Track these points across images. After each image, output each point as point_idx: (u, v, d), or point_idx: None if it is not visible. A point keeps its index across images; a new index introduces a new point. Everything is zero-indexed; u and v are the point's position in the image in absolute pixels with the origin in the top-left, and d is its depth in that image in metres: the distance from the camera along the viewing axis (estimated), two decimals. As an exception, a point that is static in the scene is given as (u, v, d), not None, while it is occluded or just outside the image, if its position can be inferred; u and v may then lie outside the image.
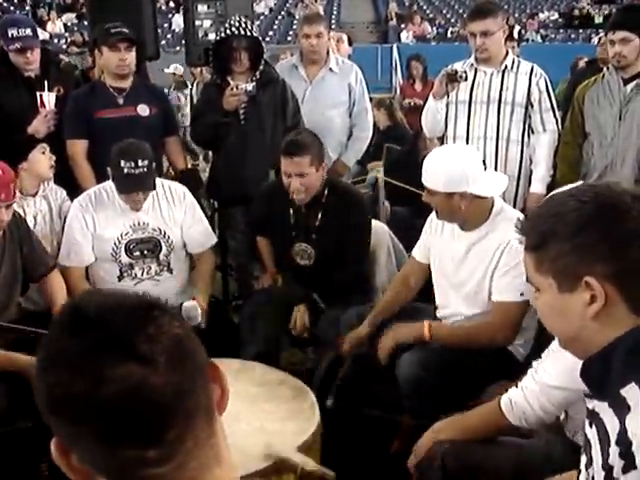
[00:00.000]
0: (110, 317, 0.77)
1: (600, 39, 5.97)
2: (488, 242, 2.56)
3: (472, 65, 3.47)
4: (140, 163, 2.81)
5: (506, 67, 3.43)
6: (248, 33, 3.47)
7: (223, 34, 3.50)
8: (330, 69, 3.99)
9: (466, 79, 3.39)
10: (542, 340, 2.61)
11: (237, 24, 3.47)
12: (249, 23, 3.53)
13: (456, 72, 3.37)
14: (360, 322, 2.83)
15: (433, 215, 2.78)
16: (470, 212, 2.56)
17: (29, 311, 2.94)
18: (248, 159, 3.52)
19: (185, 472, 0.78)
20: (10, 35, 3.43)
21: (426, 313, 2.84)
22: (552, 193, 1.32)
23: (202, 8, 4.14)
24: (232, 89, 3.43)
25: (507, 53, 3.48)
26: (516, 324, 2.53)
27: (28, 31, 3.47)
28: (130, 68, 3.48)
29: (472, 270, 2.60)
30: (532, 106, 3.41)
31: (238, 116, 3.55)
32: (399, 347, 2.63)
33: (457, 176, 2.49)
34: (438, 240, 2.75)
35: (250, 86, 3.45)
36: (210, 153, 6.44)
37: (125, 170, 2.80)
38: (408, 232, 3.94)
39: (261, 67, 3.55)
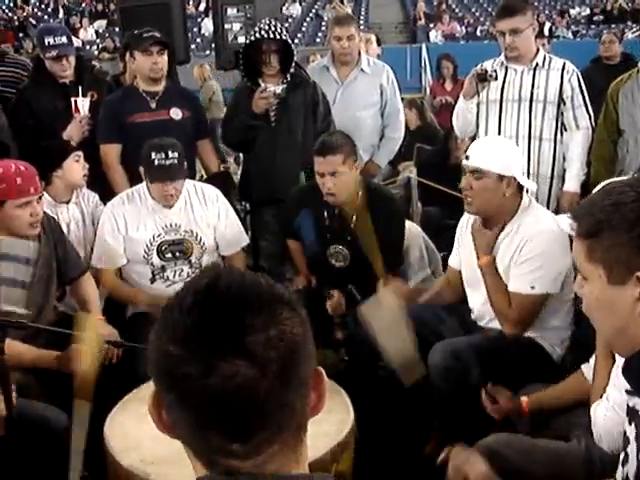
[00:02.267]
0: (239, 309, 0.78)
1: (601, 37, 5.89)
2: (513, 238, 2.57)
3: (502, 63, 3.44)
4: (170, 154, 2.87)
5: (537, 64, 3.39)
6: (278, 36, 3.48)
7: (253, 37, 3.52)
8: (361, 70, 3.99)
9: (496, 78, 3.36)
10: (578, 340, 2.62)
11: (267, 27, 3.48)
12: (279, 26, 3.54)
13: (486, 71, 3.34)
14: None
15: (463, 220, 2.78)
16: (507, 203, 2.56)
17: (66, 314, 2.99)
18: (278, 161, 3.53)
19: (263, 469, 0.80)
20: (47, 43, 3.50)
21: (460, 314, 2.85)
22: (607, 181, 1.30)
23: (231, 11, 4.17)
24: (261, 92, 3.45)
25: (538, 50, 3.43)
26: (525, 316, 2.55)
27: (64, 39, 3.53)
28: (162, 72, 3.52)
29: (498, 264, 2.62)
30: (564, 103, 3.37)
31: (269, 118, 3.56)
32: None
33: (513, 160, 2.57)
34: (467, 242, 2.75)
35: (279, 89, 3.46)
36: (240, 155, 6.51)
37: (156, 162, 2.87)
38: (440, 232, 3.95)
39: (292, 70, 3.57)
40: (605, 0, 19.37)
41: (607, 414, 1.77)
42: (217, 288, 0.80)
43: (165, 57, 3.49)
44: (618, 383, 1.74)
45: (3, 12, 21.03)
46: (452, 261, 2.94)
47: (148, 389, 2.24)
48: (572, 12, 18.99)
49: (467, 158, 2.57)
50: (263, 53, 3.51)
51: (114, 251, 3.03)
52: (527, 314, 2.56)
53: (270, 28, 3.47)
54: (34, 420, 1.95)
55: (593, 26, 17.50)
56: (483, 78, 3.33)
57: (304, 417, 0.83)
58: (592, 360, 2.13)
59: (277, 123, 3.58)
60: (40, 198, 2.64)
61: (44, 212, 2.75)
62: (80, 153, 3.15)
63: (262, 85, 3.50)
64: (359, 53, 4.01)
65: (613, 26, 15.71)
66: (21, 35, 17.35)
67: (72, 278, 2.91)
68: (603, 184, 1.33)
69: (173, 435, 0.84)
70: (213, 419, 0.78)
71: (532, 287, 2.50)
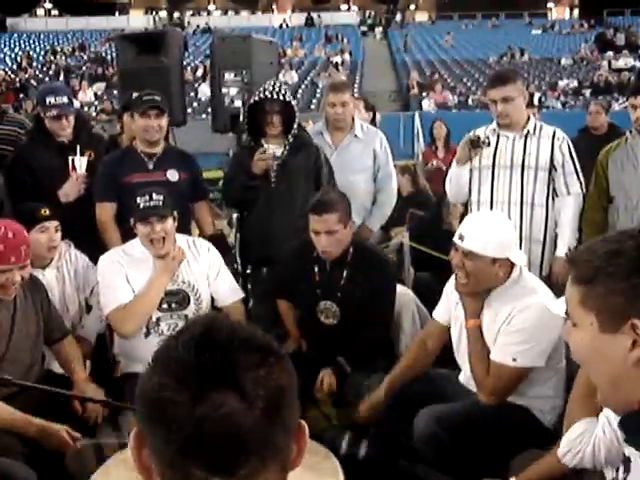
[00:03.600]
0: (233, 347, 0.82)
1: (588, 108, 6.04)
2: (501, 308, 2.55)
3: (494, 130, 3.50)
4: (155, 197, 2.90)
5: (528, 132, 3.45)
6: (281, 97, 3.54)
7: (257, 97, 3.58)
8: (355, 135, 4.04)
9: (489, 144, 3.42)
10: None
11: (271, 88, 3.55)
12: (283, 87, 3.60)
13: (479, 138, 3.40)
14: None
15: (452, 278, 2.78)
16: (497, 278, 2.55)
17: (53, 373, 2.94)
18: (275, 222, 3.55)
19: None
20: (48, 102, 3.56)
21: (450, 379, 2.81)
22: (606, 235, 1.30)
23: (229, 76, 4.28)
24: (260, 153, 3.50)
25: (529, 118, 3.50)
26: (501, 387, 2.52)
27: (65, 99, 3.59)
28: (159, 135, 3.56)
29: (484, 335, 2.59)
30: (556, 170, 3.42)
31: (269, 179, 3.59)
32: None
33: (506, 241, 2.54)
34: (455, 305, 2.74)
35: (278, 150, 3.51)
36: (234, 218, 6.54)
37: (141, 205, 2.90)
38: (432, 298, 3.93)
39: (295, 131, 3.62)
40: (592, 73, 19.96)
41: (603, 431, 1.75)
42: (213, 329, 0.85)
43: (163, 120, 3.54)
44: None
45: (6, 73, 21.44)
46: (438, 314, 2.89)
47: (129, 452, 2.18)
48: (561, 84, 19.50)
49: (461, 238, 2.53)
50: (266, 113, 3.57)
51: (122, 288, 2.96)
52: (503, 385, 2.52)
53: (274, 89, 3.54)
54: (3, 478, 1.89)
55: (581, 97, 17.93)
56: (476, 144, 3.39)
57: (287, 460, 0.85)
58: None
59: (277, 184, 3.60)
60: (24, 267, 2.62)
61: (30, 274, 2.74)
62: (48, 225, 3.06)
63: (263, 146, 3.54)
64: (353, 119, 4.07)
65: (600, 97, 16.12)
66: (22, 96, 17.63)
67: (55, 339, 2.89)
68: (603, 236, 1.32)
69: (150, 476, 0.84)
70: (196, 450, 0.79)
71: (514, 359, 2.47)
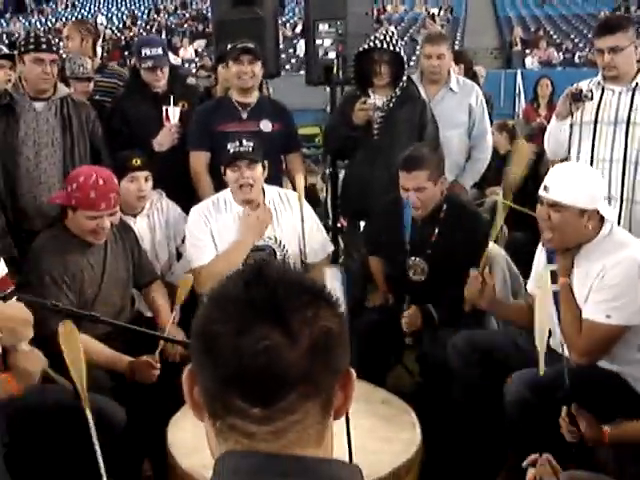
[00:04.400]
0: (282, 287, 0.83)
1: None
2: (592, 265, 2.42)
3: (599, 83, 3.29)
4: (245, 143, 2.92)
5: (637, 85, 3.21)
6: (391, 47, 3.46)
7: (366, 46, 3.51)
8: (450, 89, 3.93)
9: (591, 99, 3.22)
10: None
11: (382, 37, 3.47)
12: (394, 38, 3.52)
13: (581, 91, 3.20)
14: (468, 346, 2.73)
15: (540, 245, 2.66)
16: (586, 233, 2.42)
17: (142, 316, 3.05)
18: (376, 175, 3.46)
19: (281, 439, 0.82)
20: (143, 54, 3.63)
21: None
22: None
23: (323, 27, 4.20)
24: (362, 103, 3.43)
25: (638, 70, 3.26)
26: (595, 346, 2.40)
27: (159, 50, 3.64)
28: (252, 81, 3.56)
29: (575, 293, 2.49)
30: (664, 126, 3.19)
31: (371, 131, 3.53)
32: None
33: (595, 193, 2.42)
34: (544, 267, 2.63)
35: (379, 101, 3.44)
36: (327, 172, 6.53)
37: (231, 150, 2.93)
38: (526, 258, 3.80)
39: (403, 84, 3.53)
40: None
41: None
42: (265, 270, 0.86)
43: (257, 67, 3.53)
44: None
45: (112, 32, 22.15)
46: (530, 287, 2.82)
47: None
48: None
49: (546, 189, 2.42)
50: (374, 63, 3.50)
51: (208, 246, 3.01)
52: (597, 344, 2.40)
53: (385, 38, 3.46)
54: (92, 412, 1.98)
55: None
56: (577, 98, 3.19)
57: (329, 402, 0.84)
58: None
59: (380, 137, 3.53)
60: (113, 214, 2.70)
61: (121, 220, 2.83)
62: (139, 175, 3.13)
63: (372, 95, 3.49)
64: (449, 72, 3.95)
65: None
66: (127, 53, 18.17)
67: (144, 283, 3.00)
68: None
69: (201, 414, 0.86)
70: (238, 379, 0.80)
71: (608, 316, 2.34)
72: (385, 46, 3.44)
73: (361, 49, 3.55)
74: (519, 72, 13.72)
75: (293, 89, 9.14)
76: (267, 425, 0.81)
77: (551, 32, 20.09)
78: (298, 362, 0.80)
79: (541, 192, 2.44)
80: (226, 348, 0.80)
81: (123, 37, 21.40)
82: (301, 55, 16.74)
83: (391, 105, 3.51)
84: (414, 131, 3.53)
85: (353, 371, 0.87)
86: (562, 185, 2.39)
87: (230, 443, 0.83)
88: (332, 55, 4.16)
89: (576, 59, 16.94)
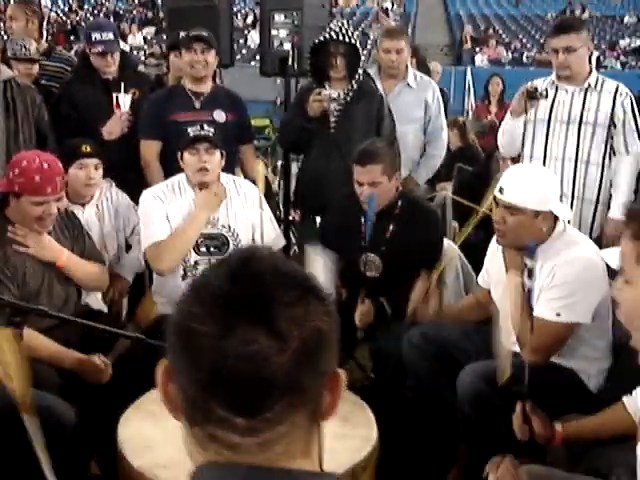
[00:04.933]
0: (270, 280, 0.76)
1: None
2: (544, 263, 2.43)
3: (553, 83, 3.34)
4: (206, 127, 2.85)
5: (589, 85, 3.29)
6: (347, 39, 3.41)
7: (322, 38, 3.46)
8: (407, 84, 3.93)
9: (546, 97, 3.27)
10: (619, 371, 2.49)
11: (337, 29, 3.43)
12: (350, 30, 3.47)
13: (536, 89, 3.25)
14: (423, 340, 2.73)
15: (494, 240, 2.68)
16: (540, 233, 2.45)
17: (91, 310, 2.95)
18: (332, 169, 3.42)
19: (266, 452, 0.75)
20: (94, 38, 3.52)
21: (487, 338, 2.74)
22: None
23: (278, 18, 4.14)
24: (316, 94, 3.39)
25: (590, 71, 3.33)
26: (545, 344, 2.42)
27: (110, 35, 3.54)
28: (206, 71, 3.49)
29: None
30: (615, 127, 3.26)
31: (328, 124, 3.48)
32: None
33: (548, 194, 2.43)
34: (496, 266, 2.65)
35: (334, 93, 3.39)
36: (279, 165, 6.48)
37: (191, 134, 2.85)
38: (477, 254, 3.84)
39: (360, 77, 3.49)
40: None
41: None
42: (251, 260, 0.78)
43: (210, 56, 3.46)
44: None
45: (58, 16, 21.53)
46: (481, 281, 2.85)
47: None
48: (622, 43, 18.75)
49: (501, 191, 2.42)
50: (330, 55, 3.45)
51: (160, 221, 2.92)
52: (548, 342, 2.43)
53: (341, 30, 3.41)
54: (40, 412, 1.89)
55: (642, 59, 17.25)
56: (533, 96, 3.24)
57: (318, 409, 0.78)
58: (635, 392, 2.02)
59: (336, 130, 3.49)
60: (59, 199, 2.60)
61: (65, 208, 2.73)
62: (88, 162, 3.04)
63: (327, 89, 3.44)
64: (406, 67, 3.94)
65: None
66: (72, 38, 17.70)
67: None
68: None
69: (177, 413, 0.79)
70: (220, 386, 0.73)
71: (558, 314, 2.36)
72: (341, 38, 3.40)
73: (317, 41, 3.50)
74: (469, 69, 13.91)
75: (243, 80, 9.09)
76: (252, 437, 0.74)
77: (500, 31, 20.42)
78: (286, 368, 0.73)
79: (496, 194, 2.45)
80: (208, 350, 0.73)
81: (69, 21, 20.83)
82: (252, 46, 16.61)
83: (348, 99, 3.48)
84: (371, 125, 3.50)
85: (341, 372, 0.81)
86: (517, 187, 2.39)
87: (210, 453, 0.76)
88: (287, 46, 4.11)
89: (524, 59, 17.26)
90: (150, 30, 19.60)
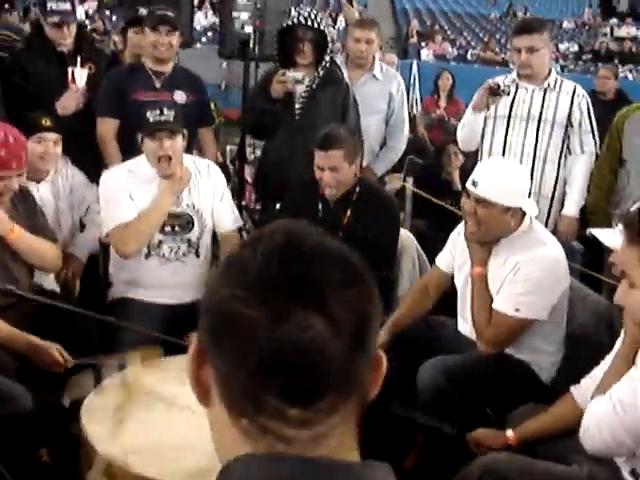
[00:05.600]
0: (320, 263, 0.70)
1: (597, 72, 5.98)
2: (508, 258, 2.49)
3: (514, 80, 3.40)
4: (166, 112, 2.76)
5: (548, 85, 3.36)
6: (315, 25, 3.38)
7: (290, 22, 3.42)
8: (373, 75, 3.93)
9: (508, 94, 3.32)
10: (571, 364, 2.57)
11: (306, 14, 3.40)
12: (319, 16, 3.45)
13: (499, 86, 3.30)
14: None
15: (458, 227, 2.72)
16: (508, 227, 2.49)
17: (44, 289, 2.85)
18: (295, 156, 3.38)
19: (322, 446, 0.71)
20: (49, 8, 3.38)
21: (449, 327, 2.78)
22: None
23: (240, 0, 4.08)
24: (280, 75, 3.35)
25: (550, 71, 3.41)
26: (502, 337, 2.48)
27: (67, 5, 3.41)
28: (169, 52, 3.42)
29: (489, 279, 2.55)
30: (572, 126, 3.35)
31: (292, 110, 3.45)
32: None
33: (520, 190, 2.47)
34: (461, 253, 2.68)
35: (299, 75, 3.35)
36: (227, 150, 6.39)
37: (151, 119, 2.76)
38: (428, 244, 3.89)
39: (327, 64, 3.47)
40: (593, 40, 19.73)
41: (606, 410, 1.71)
42: (299, 238, 0.73)
43: (174, 38, 3.39)
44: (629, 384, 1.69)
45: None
46: (440, 261, 2.84)
47: (128, 374, 2.10)
48: (561, 47, 19.27)
49: (474, 184, 2.45)
50: (297, 40, 3.41)
51: (124, 203, 2.82)
52: (504, 335, 2.48)
53: (309, 16, 3.38)
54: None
55: (581, 62, 17.76)
56: (495, 92, 3.28)
57: (367, 392, 0.75)
58: (583, 382, 2.09)
59: (301, 117, 3.46)
60: (21, 174, 2.51)
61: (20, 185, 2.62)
62: (44, 136, 2.92)
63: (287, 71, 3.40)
64: (374, 58, 3.94)
65: (600, 64, 15.98)
66: (7, 7, 16.97)
67: None
68: None
69: (207, 399, 0.75)
70: (273, 376, 0.68)
71: (517, 309, 2.42)
72: (310, 23, 3.38)
73: (285, 25, 3.46)
74: (415, 63, 14.02)
75: (187, 63, 8.94)
76: (306, 429, 0.70)
77: (445, 27, 20.69)
78: (342, 354, 0.69)
79: (469, 186, 2.47)
80: (259, 336, 0.67)
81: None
82: (198, 28, 16.30)
83: (314, 86, 3.45)
84: (336, 113, 3.48)
85: (382, 354, 0.77)
86: (490, 182, 2.42)
87: (260, 446, 0.70)
88: (249, 29, 4.05)
89: (469, 56, 17.54)
90: (92, 4, 18.98)
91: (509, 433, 2.17)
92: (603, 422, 1.71)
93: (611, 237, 1.49)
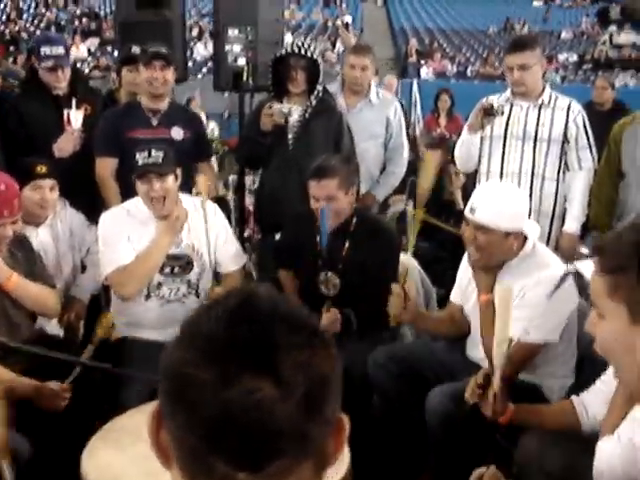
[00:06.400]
0: (273, 324, 0.71)
1: (594, 83, 5.98)
2: (514, 282, 2.41)
3: (508, 99, 3.40)
4: (154, 153, 2.76)
5: (543, 102, 3.35)
6: (309, 54, 3.42)
7: (283, 51, 3.46)
8: (369, 101, 3.95)
9: (502, 113, 3.31)
10: (580, 385, 2.53)
11: (299, 43, 3.45)
12: (312, 46, 3.49)
13: (492, 106, 3.29)
14: (390, 360, 2.72)
15: (465, 257, 2.70)
16: (510, 251, 2.47)
17: (45, 334, 2.84)
18: (290, 186, 3.40)
19: None
20: (43, 53, 3.41)
21: (455, 353, 2.76)
22: (633, 222, 1.22)
23: (232, 33, 4.12)
24: (268, 108, 3.37)
25: (544, 88, 3.39)
26: (515, 362, 2.40)
27: (60, 50, 3.44)
28: (164, 88, 3.43)
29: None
30: (568, 143, 3.33)
31: (286, 140, 3.47)
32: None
33: (519, 213, 2.45)
34: (468, 282, 2.67)
35: (286, 108, 3.37)
36: (230, 180, 6.41)
37: (140, 161, 2.76)
38: (431, 267, 3.86)
39: (319, 94, 3.49)
40: (592, 48, 19.75)
41: (616, 451, 1.67)
42: (251, 302, 0.73)
43: (169, 73, 3.40)
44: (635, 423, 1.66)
45: (-5, 25, 20.94)
46: (454, 296, 2.84)
47: (130, 418, 2.10)
48: (560, 57, 19.30)
49: (472, 211, 2.44)
50: (290, 69, 3.43)
51: (123, 245, 2.82)
52: (516, 360, 2.43)
53: (302, 45, 3.43)
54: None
55: (581, 72, 17.77)
56: (489, 112, 3.27)
57: (324, 458, 0.74)
58: (583, 394, 2.10)
59: (295, 148, 3.47)
60: (15, 222, 2.51)
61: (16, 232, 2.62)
62: (42, 184, 2.94)
63: (283, 103, 3.43)
64: (369, 84, 3.96)
65: (600, 73, 15.99)
66: (12, 49, 17.22)
67: None
68: (633, 219, 1.26)
69: (168, 462, 0.74)
70: (221, 440, 0.68)
71: (527, 333, 2.39)
72: (303, 52, 3.41)
73: (278, 54, 3.49)
74: (415, 82, 14.08)
75: (191, 93, 9.02)
76: None
77: (444, 45, 20.78)
78: (291, 418, 0.68)
79: (467, 214, 2.45)
80: (208, 400, 0.67)
81: (7, 31, 20.27)
82: (198, 59, 16.48)
83: (306, 115, 3.47)
84: (330, 142, 3.49)
85: (345, 417, 0.77)
86: (488, 208, 2.40)
87: None
88: (242, 61, 4.08)
89: (468, 72, 17.59)
90: (94, 42, 19.22)
91: (510, 405, 2.13)
92: (616, 464, 1.67)
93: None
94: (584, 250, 3.20)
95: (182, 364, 0.70)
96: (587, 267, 1.47)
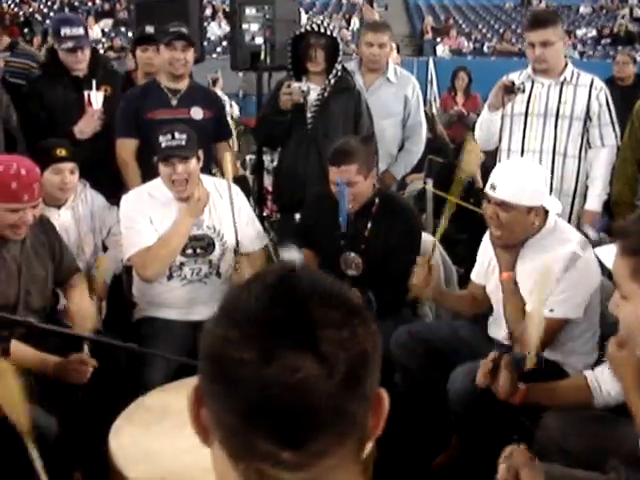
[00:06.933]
0: (313, 301, 0.70)
1: (615, 58, 5.88)
2: (536, 259, 2.44)
3: (529, 76, 3.36)
4: (177, 136, 2.76)
5: (565, 79, 3.31)
6: (328, 32, 3.40)
7: (303, 29, 3.44)
8: (387, 79, 3.91)
9: (523, 91, 3.27)
10: (600, 364, 2.52)
11: (319, 21, 3.42)
12: (331, 24, 3.47)
13: (513, 83, 3.25)
14: (411, 339, 2.73)
15: (487, 235, 2.69)
16: (532, 228, 2.46)
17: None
18: (309, 166, 3.39)
19: None
20: (63, 34, 3.40)
21: (477, 332, 2.75)
22: None
23: (250, 12, 4.08)
24: (286, 87, 3.35)
25: (566, 65, 3.35)
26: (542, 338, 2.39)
27: (80, 30, 3.44)
28: (185, 68, 3.42)
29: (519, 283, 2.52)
30: (591, 120, 3.29)
31: (305, 120, 3.45)
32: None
33: (539, 189, 2.44)
34: (490, 260, 2.66)
35: (304, 86, 3.35)
36: (247, 159, 6.41)
37: (163, 144, 2.75)
38: (450, 246, 3.85)
39: (338, 73, 3.46)
40: (612, 23, 19.41)
41: None
42: (291, 278, 0.73)
43: (189, 54, 3.39)
44: None
45: (9, 7, 20.93)
46: (475, 276, 2.83)
47: (155, 397, 2.12)
48: (579, 33, 19.01)
49: (492, 188, 2.42)
50: (310, 47, 3.41)
51: (145, 227, 2.83)
52: (541, 337, 2.44)
53: (322, 24, 3.40)
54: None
55: (600, 47, 17.50)
56: (510, 90, 3.24)
57: (365, 434, 0.74)
58: (597, 369, 2.13)
59: (313, 128, 3.46)
60: (36, 206, 2.51)
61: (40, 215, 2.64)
62: (64, 167, 2.95)
63: (302, 81, 3.42)
64: (387, 62, 3.93)
65: (620, 48, 15.73)
66: (26, 30, 17.23)
67: (65, 279, 2.78)
68: None
69: (208, 439, 0.75)
70: (264, 417, 0.68)
71: (551, 310, 2.36)
72: (322, 30, 3.39)
73: (298, 33, 3.47)
74: (431, 60, 13.94)
75: (207, 73, 8.99)
76: (302, 472, 0.69)
77: (460, 21, 20.54)
78: (334, 395, 0.68)
79: (488, 190, 2.44)
80: (250, 379, 0.67)
81: (21, 12, 20.26)
82: (212, 38, 16.40)
83: (325, 95, 3.45)
84: (349, 122, 3.47)
85: (384, 392, 0.76)
86: (509, 184, 2.39)
87: None
88: (259, 40, 4.05)
89: (485, 49, 17.38)
90: (108, 22, 19.17)
91: (521, 386, 2.14)
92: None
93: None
94: (591, 232, 3.18)
95: (222, 344, 0.70)
96: (606, 253, 1.46)
